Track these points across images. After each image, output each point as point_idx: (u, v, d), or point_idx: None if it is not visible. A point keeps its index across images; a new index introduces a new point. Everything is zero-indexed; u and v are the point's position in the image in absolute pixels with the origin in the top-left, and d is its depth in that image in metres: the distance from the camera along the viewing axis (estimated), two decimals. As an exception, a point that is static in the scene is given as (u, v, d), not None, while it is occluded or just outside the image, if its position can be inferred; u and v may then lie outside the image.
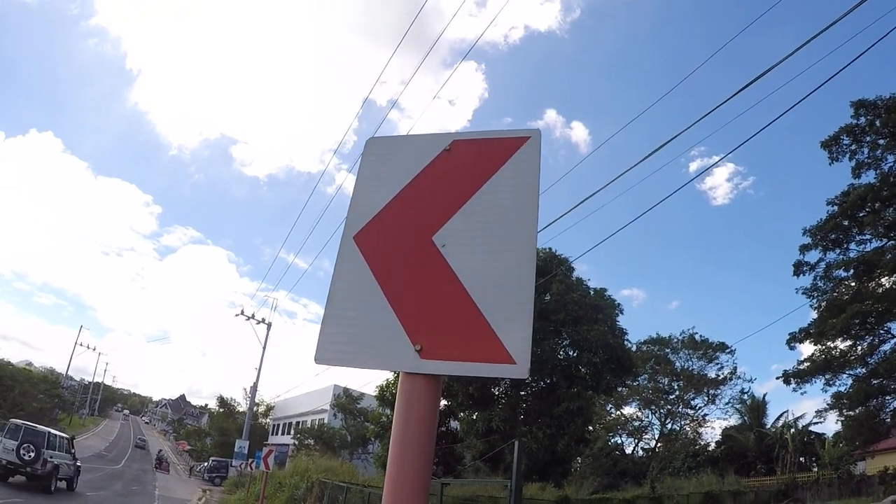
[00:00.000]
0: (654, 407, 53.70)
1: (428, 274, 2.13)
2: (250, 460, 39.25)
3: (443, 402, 29.70)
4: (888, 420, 24.41)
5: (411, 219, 2.27)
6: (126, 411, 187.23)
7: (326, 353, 2.09)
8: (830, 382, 26.24)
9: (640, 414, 55.16)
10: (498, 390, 33.61)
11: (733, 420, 52.20)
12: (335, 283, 2.22)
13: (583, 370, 32.30)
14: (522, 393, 33.95)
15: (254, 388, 49.82)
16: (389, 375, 34.52)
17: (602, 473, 44.30)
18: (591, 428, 37.55)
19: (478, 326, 1.96)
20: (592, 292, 34.30)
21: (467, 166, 2.31)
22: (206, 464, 60.79)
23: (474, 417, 32.50)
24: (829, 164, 25.30)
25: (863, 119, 24.34)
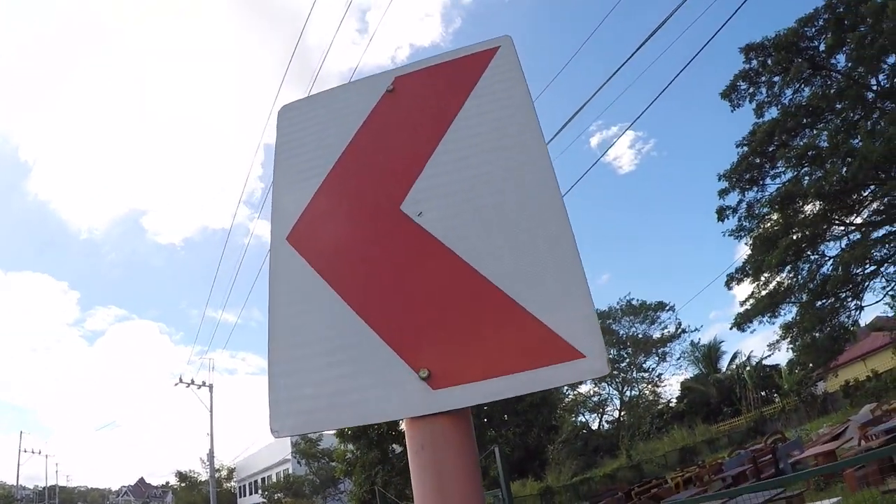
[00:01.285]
0: (608, 379, 54.27)
1: (408, 259, 1.45)
2: (224, 529, 37.56)
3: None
4: (839, 336, 25.18)
5: (363, 192, 1.60)
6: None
7: (287, 420, 1.35)
8: (775, 315, 26.88)
9: (596, 389, 55.64)
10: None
11: (689, 372, 53.31)
12: (274, 314, 1.48)
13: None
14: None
15: (210, 455, 47.69)
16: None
17: (577, 455, 44.45)
18: (556, 414, 37.61)
19: (509, 317, 1.30)
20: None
21: (425, 104, 1.70)
22: (182, 544, 58.29)
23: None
24: (732, 112, 26.07)
25: (755, 62, 24.90)
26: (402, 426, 1.37)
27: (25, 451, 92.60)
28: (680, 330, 52.61)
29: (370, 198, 1.57)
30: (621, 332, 53.15)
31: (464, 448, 1.26)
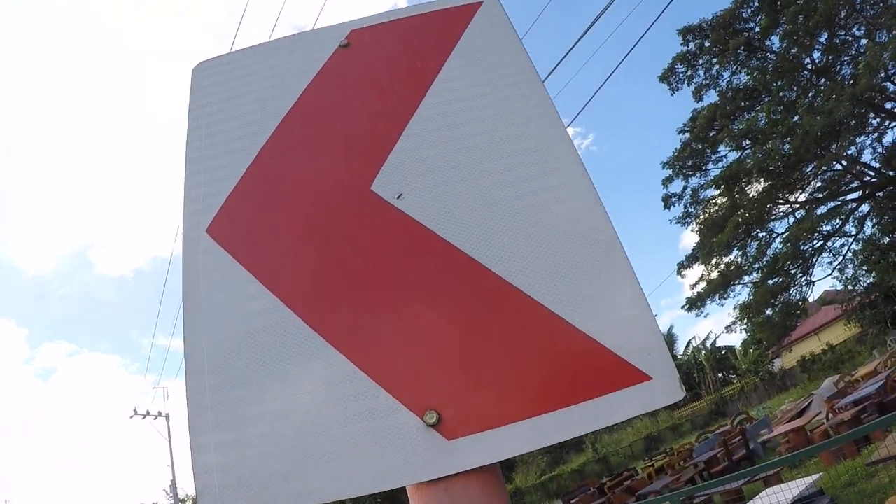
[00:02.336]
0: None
1: (390, 257, 1.04)
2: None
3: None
4: (792, 312, 25.55)
5: (315, 168, 1.18)
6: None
7: (224, 497, 0.90)
8: (724, 297, 27.21)
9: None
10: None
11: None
12: (192, 338, 1.03)
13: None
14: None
15: (173, 486, 46.54)
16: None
17: (543, 453, 44.53)
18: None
19: (542, 329, 0.92)
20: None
21: (392, 62, 1.33)
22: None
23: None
24: (672, 95, 26.22)
25: (692, 44, 24.96)
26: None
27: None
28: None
29: (327, 176, 1.16)
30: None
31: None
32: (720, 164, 26.14)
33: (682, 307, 29.65)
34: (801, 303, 25.66)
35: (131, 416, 42.48)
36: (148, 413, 43.02)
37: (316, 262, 1.07)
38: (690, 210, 27.54)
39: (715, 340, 45.96)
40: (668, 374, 0.88)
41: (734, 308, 27.11)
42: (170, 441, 43.62)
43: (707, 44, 24.57)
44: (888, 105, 22.18)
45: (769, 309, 24.98)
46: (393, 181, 1.12)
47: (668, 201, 27.61)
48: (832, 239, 24.75)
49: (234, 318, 1.04)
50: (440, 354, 0.94)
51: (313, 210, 1.13)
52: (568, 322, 0.92)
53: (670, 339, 52.49)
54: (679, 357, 49.80)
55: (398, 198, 1.10)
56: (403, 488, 0.92)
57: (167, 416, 43.88)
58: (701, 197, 27.12)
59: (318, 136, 1.24)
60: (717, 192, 26.08)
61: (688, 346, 50.23)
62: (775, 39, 23.76)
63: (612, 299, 0.93)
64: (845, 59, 23.23)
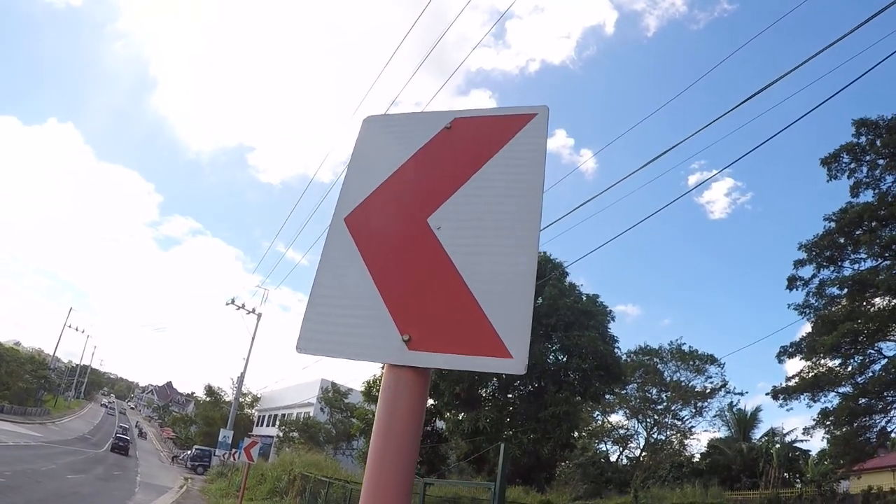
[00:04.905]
0: (640, 416, 53.50)
1: (421, 258, 1.98)
2: (233, 450, 39.01)
3: (429, 401, 29.51)
4: (874, 440, 24.37)
5: (406, 199, 2.14)
6: (112, 397, 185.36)
7: (309, 343, 1.94)
8: (815, 399, 26.15)
9: (626, 422, 54.96)
10: (485, 391, 33.54)
11: (721, 433, 51.92)
12: (322, 267, 2.08)
13: (571, 375, 32.24)
14: (510, 395, 33.90)
15: (241, 378, 49.74)
16: (377, 371, 34.45)
17: (588, 480, 44.21)
18: (576, 434, 37.35)
19: (472, 316, 1.81)
20: (585, 298, 34.21)
21: (468, 145, 2.20)
22: (189, 452, 60.21)
23: (460, 418, 32.40)
24: (828, 181, 25.12)
25: (863, 138, 24.12)
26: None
27: (70, 327, 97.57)
28: (724, 388, 51.17)
29: (409, 206, 2.13)
30: (666, 375, 52.10)
31: (416, 395, 1.82)
32: (857, 266, 25.08)
33: (767, 393, 28.77)
34: (887, 433, 24.44)
35: (227, 304, 45.45)
36: (243, 306, 45.75)
37: (388, 251, 2.05)
38: (811, 301, 26.56)
39: (794, 441, 43.89)
40: (521, 358, 1.73)
41: (819, 413, 26.09)
42: (253, 338, 46.28)
43: (878, 143, 23.51)
44: None
45: (848, 426, 23.92)
46: (439, 218, 2.05)
47: (792, 283, 26.69)
48: (942, 384, 23.27)
49: (342, 265, 2.08)
50: (421, 311, 1.90)
51: (395, 225, 2.11)
52: (486, 315, 1.82)
53: (752, 422, 50.37)
54: (753, 441, 47.76)
55: (438, 229, 2.02)
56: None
57: (259, 316, 46.40)
58: (825, 292, 26.10)
59: (417, 180, 2.19)
60: (842, 292, 25.04)
61: (767, 434, 48.11)
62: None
63: (514, 312, 1.80)
64: None
